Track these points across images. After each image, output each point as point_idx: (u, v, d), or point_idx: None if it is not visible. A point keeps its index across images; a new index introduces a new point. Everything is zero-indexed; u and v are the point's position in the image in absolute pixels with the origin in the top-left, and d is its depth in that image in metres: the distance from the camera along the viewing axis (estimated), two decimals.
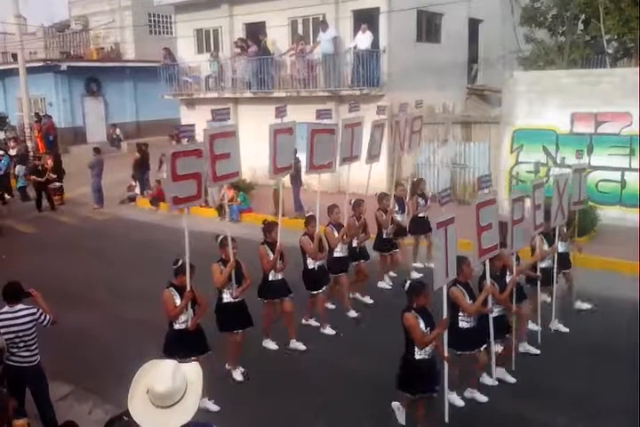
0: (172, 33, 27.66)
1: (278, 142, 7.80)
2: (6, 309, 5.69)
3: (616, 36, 17.32)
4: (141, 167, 17.73)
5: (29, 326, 5.69)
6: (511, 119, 14.35)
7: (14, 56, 28.12)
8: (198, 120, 20.45)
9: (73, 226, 15.42)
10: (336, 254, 8.75)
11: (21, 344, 5.69)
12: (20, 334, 5.65)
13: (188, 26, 21.07)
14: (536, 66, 17.11)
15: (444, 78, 17.57)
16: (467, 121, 15.54)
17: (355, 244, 9.18)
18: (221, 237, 7.35)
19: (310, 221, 8.38)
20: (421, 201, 10.91)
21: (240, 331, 7.05)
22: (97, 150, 17.63)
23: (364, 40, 16.07)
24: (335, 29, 16.92)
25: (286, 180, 14.94)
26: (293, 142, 8.22)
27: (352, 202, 9.47)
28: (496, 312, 6.65)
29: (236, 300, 7.02)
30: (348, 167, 9.79)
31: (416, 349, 5.65)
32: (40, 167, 17.50)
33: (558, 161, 13.77)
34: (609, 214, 12.80)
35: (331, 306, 9.03)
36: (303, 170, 15.04)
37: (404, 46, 16.79)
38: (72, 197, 18.17)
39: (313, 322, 8.58)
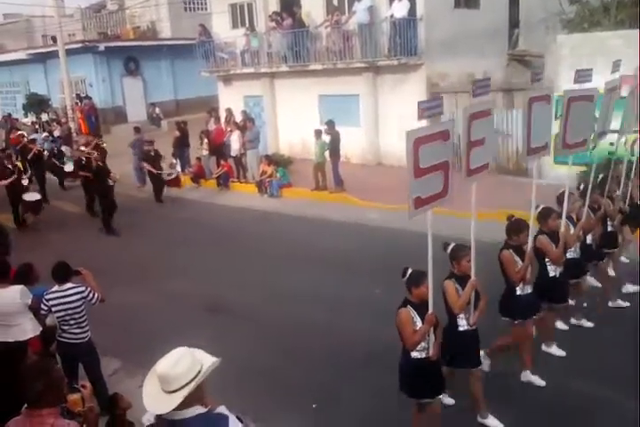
0: (206, 9, 27.55)
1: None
2: (56, 288, 5.84)
3: None
4: (181, 145, 17.88)
5: (79, 303, 5.83)
6: (555, 85, 13.89)
7: (54, 39, 28.46)
8: (235, 96, 20.67)
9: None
10: (569, 255, 6.90)
11: (72, 322, 5.85)
12: (70, 311, 5.80)
13: (222, 1, 20.94)
14: (580, 28, 16.45)
15: (483, 45, 17.06)
16: (508, 88, 15.11)
17: (589, 240, 7.41)
18: (453, 245, 5.66)
19: (549, 214, 6.56)
20: None
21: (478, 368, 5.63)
22: (137, 129, 17.83)
23: (400, 8, 15.70)
24: None
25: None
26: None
27: (581, 187, 7.66)
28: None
29: (473, 327, 5.51)
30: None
31: None
32: (153, 153, 15.77)
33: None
34: None
35: (563, 326, 7.36)
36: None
37: (442, 13, 16.35)
38: None
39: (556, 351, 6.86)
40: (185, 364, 3.12)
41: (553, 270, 6.51)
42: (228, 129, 17.38)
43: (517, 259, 5.99)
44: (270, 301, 8.82)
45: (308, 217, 13.25)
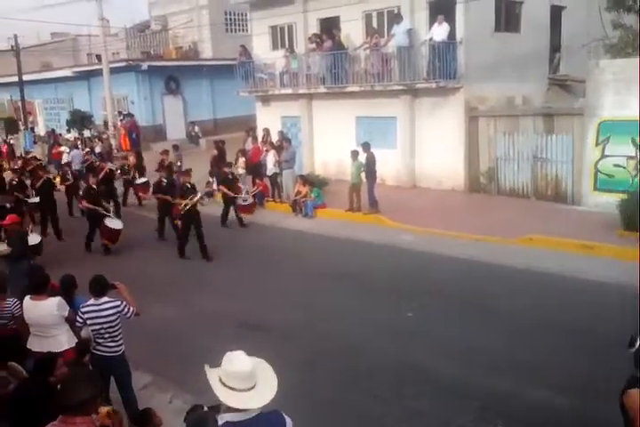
0: (247, 30, 28.10)
1: None
2: (92, 301, 5.89)
3: None
4: (219, 164, 18.08)
5: (114, 317, 5.87)
6: (597, 110, 13.70)
7: (98, 57, 29.33)
8: (273, 116, 20.90)
9: (155, 221, 15.75)
10: None
11: (107, 335, 5.89)
12: (106, 325, 5.84)
13: (262, 23, 21.28)
14: (624, 53, 16.25)
15: (523, 69, 16.97)
16: (548, 113, 14.96)
17: None
18: None
19: None
20: None
21: None
22: (176, 147, 18.13)
23: (440, 32, 15.72)
24: (410, 21, 16.66)
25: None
26: None
27: None
28: None
29: None
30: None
31: None
32: (231, 176, 15.09)
33: None
34: None
35: None
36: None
37: (482, 37, 16.32)
38: None
39: None
40: (251, 360, 3.31)
41: None
42: (265, 149, 17.55)
43: None
44: (303, 319, 8.79)
45: (341, 238, 13.21)
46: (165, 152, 17.29)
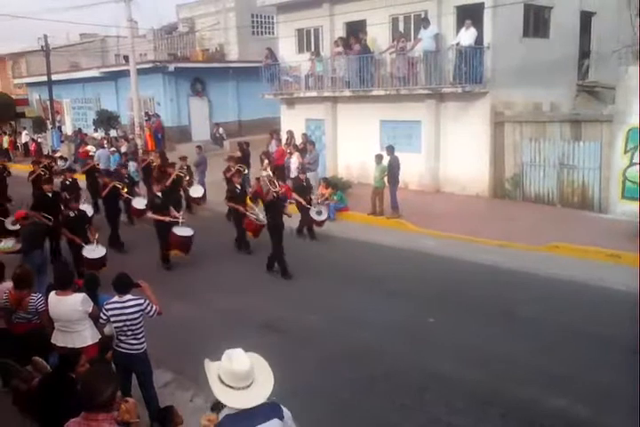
0: (273, 33, 28.18)
1: None
2: (116, 299, 5.94)
3: None
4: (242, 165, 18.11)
5: (137, 315, 5.91)
6: (626, 117, 13.51)
7: (126, 58, 29.63)
8: (297, 119, 20.93)
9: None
10: None
11: (129, 333, 5.92)
12: (128, 323, 5.87)
13: (289, 26, 21.35)
14: None
15: (552, 75, 16.80)
16: (576, 119, 14.78)
17: None
18: None
19: None
20: None
21: None
22: (199, 148, 18.18)
23: (467, 37, 15.62)
24: (437, 26, 16.58)
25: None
26: None
27: None
28: None
29: None
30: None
31: None
32: (305, 182, 13.70)
33: None
34: None
35: None
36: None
37: (510, 42, 16.19)
38: None
39: None
40: (249, 359, 3.43)
41: None
42: (288, 151, 17.56)
43: None
44: (323, 321, 8.79)
45: (363, 241, 13.16)
46: (231, 159, 15.98)
